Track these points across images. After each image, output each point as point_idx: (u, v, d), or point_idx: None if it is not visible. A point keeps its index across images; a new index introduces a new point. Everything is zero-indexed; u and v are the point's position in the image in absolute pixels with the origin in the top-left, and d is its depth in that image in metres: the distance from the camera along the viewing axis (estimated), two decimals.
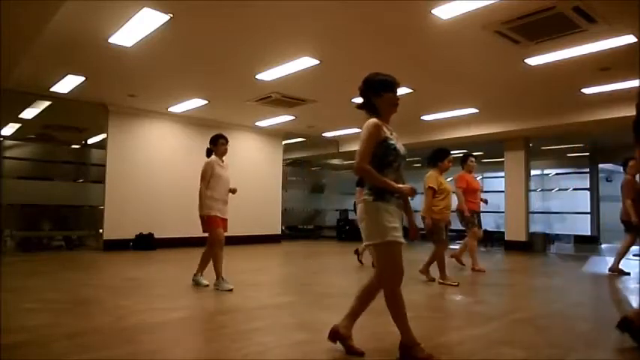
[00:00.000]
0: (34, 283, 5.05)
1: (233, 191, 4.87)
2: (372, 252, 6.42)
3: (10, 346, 2.73)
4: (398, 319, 2.60)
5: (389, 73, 2.72)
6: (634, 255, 6.33)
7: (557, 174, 13.79)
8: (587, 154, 12.33)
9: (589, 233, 12.12)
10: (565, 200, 12.96)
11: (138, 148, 8.94)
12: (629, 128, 3.24)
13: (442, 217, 5.22)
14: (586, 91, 7.01)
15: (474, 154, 6.79)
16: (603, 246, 11.39)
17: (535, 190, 10.49)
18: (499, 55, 5.54)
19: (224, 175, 4.82)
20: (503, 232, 10.48)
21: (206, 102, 8.22)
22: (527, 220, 9.90)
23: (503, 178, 10.50)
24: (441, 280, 5.28)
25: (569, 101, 7.74)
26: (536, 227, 10.76)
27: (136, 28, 4.86)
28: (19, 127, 10.13)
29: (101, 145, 9.15)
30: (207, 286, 4.75)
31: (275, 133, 11.10)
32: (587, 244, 11.63)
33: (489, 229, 11.88)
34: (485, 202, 6.56)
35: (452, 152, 5.48)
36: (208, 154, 4.91)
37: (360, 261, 6.93)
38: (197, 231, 5.10)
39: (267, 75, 6.46)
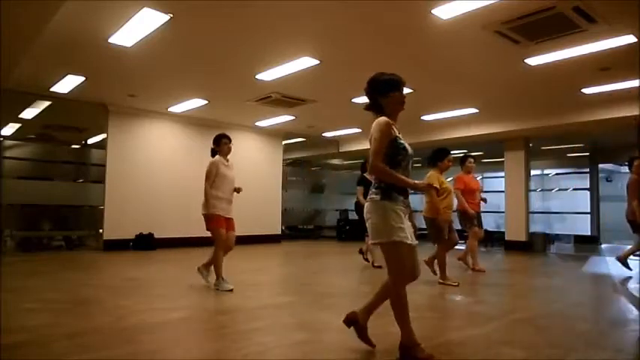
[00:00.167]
0: (34, 283, 5.05)
1: (238, 190, 4.86)
2: (373, 250, 6.53)
3: (10, 346, 2.73)
4: (400, 319, 2.60)
5: (392, 73, 2.72)
6: (634, 255, 6.33)
7: (557, 174, 13.79)
8: (587, 154, 12.33)
9: (589, 233, 12.12)
10: (565, 200, 12.96)
11: (138, 148, 8.94)
12: (629, 128, 3.25)
13: (445, 218, 5.23)
14: (586, 91, 7.01)
15: (474, 154, 6.83)
16: (603, 246, 11.39)
17: (535, 190, 10.49)
18: (499, 55, 5.54)
19: (229, 174, 4.81)
20: (503, 232, 10.48)
21: (206, 102, 8.22)
22: (527, 220, 9.90)
23: (503, 178, 10.50)
24: (441, 280, 5.28)
25: (569, 101, 7.74)
26: (536, 227, 10.76)
27: (136, 28, 4.86)
28: (19, 127, 10.13)
29: (101, 145, 9.15)
30: (231, 290, 4.60)
31: (275, 133, 11.10)
32: (587, 244, 11.63)
33: (489, 229, 11.89)
34: (485, 201, 6.56)
35: (452, 152, 5.48)
36: (213, 154, 4.91)
37: (367, 259, 6.90)
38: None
39: (267, 75, 6.46)
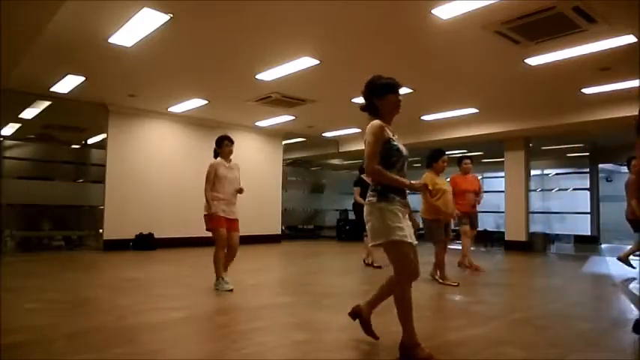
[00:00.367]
0: (34, 283, 5.05)
1: (239, 191, 4.86)
2: (372, 252, 6.53)
3: (10, 346, 2.73)
4: (404, 317, 2.61)
5: (390, 76, 2.77)
6: (634, 255, 6.34)
7: (557, 174, 13.79)
8: (587, 154, 12.33)
9: (589, 233, 12.13)
10: (565, 200, 12.97)
11: (138, 148, 8.94)
12: (629, 128, 3.24)
13: (441, 217, 5.23)
14: (586, 91, 7.01)
15: (474, 154, 6.85)
16: (603, 246, 11.39)
17: (535, 190, 10.50)
18: (499, 55, 5.54)
19: (229, 175, 4.80)
20: (503, 232, 10.48)
21: (206, 102, 8.22)
22: (527, 220, 9.90)
23: (503, 178, 10.50)
24: (440, 280, 5.29)
25: (569, 101, 7.75)
26: (536, 227, 10.77)
27: (136, 28, 4.86)
28: (19, 127, 10.13)
29: (101, 145, 9.15)
30: (231, 290, 4.61)
31: (275, 133, 11.10)
32: (587, 244, 11.63)
33: (489, 229, 11.90)
34: (478, 202, 6.61)
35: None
36: (215, 155, 4.93)
37: (372, 264, 6.76)
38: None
39: (267, 75, 6.46)
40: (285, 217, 11.97)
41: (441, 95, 7.66)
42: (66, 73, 6.59)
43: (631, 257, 6.27)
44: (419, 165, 12.63)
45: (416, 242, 2.65)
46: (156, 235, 8.81)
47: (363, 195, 2.84)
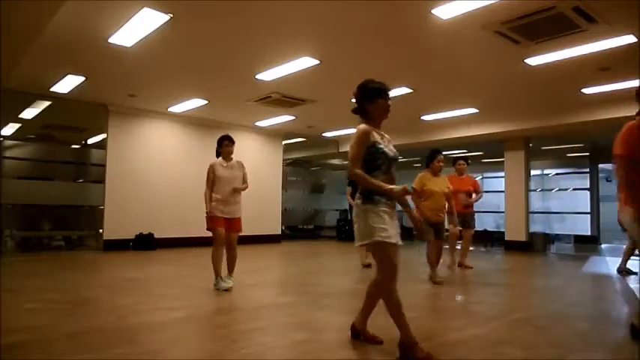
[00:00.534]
0: (34, 283, 5.05)
1: (234, 190, 4.85)
2: (361, 251, 6.56)
3: (10, 346, 2.73)
4: (395, 316, 2.64)
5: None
6: (634, 255, 6.35)
7: (557, 174, 13.80)
8: (587, 154, 12.34)
9: (589, 233, 12.13)
10: (565, 200, 12.97)
11: (138, 148, 8.94)
12: None
13: (427, 218, 5.23)
14: (586, 91, 7.01)
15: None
16: (603, 246, 11.39)
17: (535, 190, 10.50)
18: (499, 55, 5.54)
19: (227, 175, 4.81)
20: (503, 232, 10.48)
21: (206, 102, 8.22)
22: (527, 220, 9.90)
23: (503, 178, 10.50)
24: (432, 279, 5.37)
25: (569, 101, 7.75)
26: (536, 227, 10.77)
27: (136, 28, 4.86)
28: (19, 127, 10.13)
29: (101, 145, 9.15)
30: (228, 290, 4.64)
31: (275, 133, 11.10)
32: (587, 244, 11.63)
33: (489, 229, 11.90)
34: (469, 202, 6.62)
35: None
36: (217, 155, 4.96)
37: (369, 265, 6.83)
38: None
39: (267, 75, 6.46)
40: (285, 217, 11.97)
41: (441, 95, 7.66)
42: (66, 73, 6.59)
43: (631, 259, 6.27)
44: (419, 165, 12.66)
45: (400, 243, 2.69)
46: (156, 235, 8.81)
47: (355, 195, 2.88)
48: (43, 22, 4.57)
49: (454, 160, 6.88)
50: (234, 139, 5.04)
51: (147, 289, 4.90)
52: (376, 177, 2.66)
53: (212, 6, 4.36)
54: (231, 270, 4.88)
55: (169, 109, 8.85)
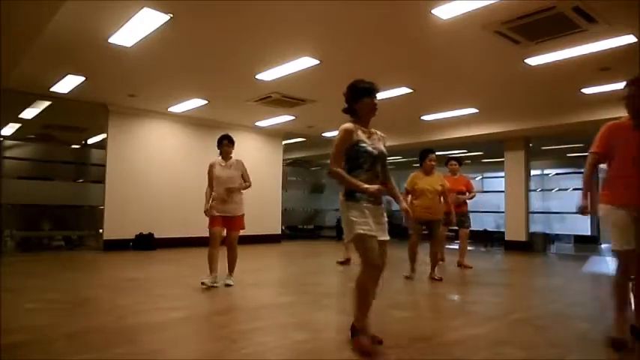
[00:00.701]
0: (34, 283, 5.05)
1: (228, 190, 4.87)
2: (348, 247, 6.68)
3: (10, 346, 2.73)
4: (356, 304, 2.78)
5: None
6: None
7: (557, 174, 13.79)
8: (587, 154, 12.30)
9: (589, 233, 12.12)
10: (565, 200, 12.96)
11: (138, 148, 8.94)
12: None
13: (416, 216, 5.38)
14: (586, 91, 7.01)
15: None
16: (603, 246, 11.39)
17: (535, 190, 10.50)
18: (499, 55, 5.54)
19: (224, 175, 4.86)
20: (503, 232, 10.48)
21: (206, 102, 8.22)
22: (527, 220, 9.90)
23: (503, 178, 10.50)
24: (432, 276, 5.49)
25: (569, 101, 7.74)
26: (536, 227, 10.77)
27: (136, 28, 4.86)
28: (19, 127, 10.13)
29: (101, 145, 9.15)
30: (205, 286, 4.75)
31: (275, 133, 11.10)
32: (587, 244, 11.63)
33: (489, 229, 11.90)
34: (460, 202, 6.67)
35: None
36: (221, 153, 5.05)
37: (344, 262, 6.97)
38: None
39: (267, 75, 6.46)
40: (285, 217, 11.97)
41: (441, 95, 7.65)
42: (66, 73, 6.59)
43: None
44: (418, 165, 12.64)
45: (382, 237, 2.77)
46: (156, 235, 8.81)
47: None
48: (43, 22, 4.57)
49: (447, 161, 7.01)
50: (234, 139, 5.06)
51: (147, 289, 4.90)
52: (359, 175, 2.75)
53: (212, 6, 4.36)
54: (231, 269, 4.91)
55: (169, 109, 8.85)
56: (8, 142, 9.22)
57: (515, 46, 5.15)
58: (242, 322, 3.54)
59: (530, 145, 10.13)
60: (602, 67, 5.82)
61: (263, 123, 10.09)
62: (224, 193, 4.81)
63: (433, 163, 5.52)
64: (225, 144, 4.94)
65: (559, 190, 13.28)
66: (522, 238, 9.86)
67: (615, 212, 2.96)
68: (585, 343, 3.08)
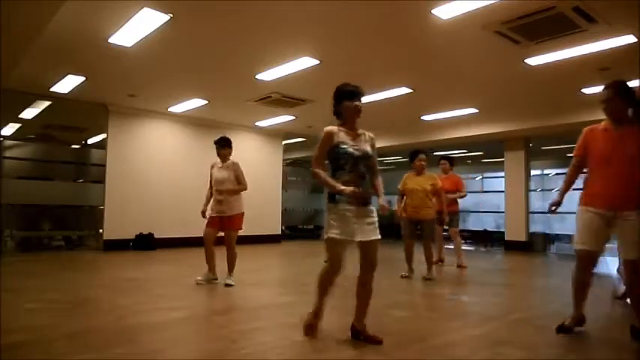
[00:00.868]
0: (34, 283, 5.05)
1: (219, 192, 4.98)
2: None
3: (10, 346, 2.73)
4: (316, 296, 3.01)
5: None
6: None
7: (557, 174, 13.78)
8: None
9: None
10: (565, 200, 12.94)
11: (138, 148, 8.93)
12: None
13: (407, 215, 5.56)
14: (586, 91, 7.01)
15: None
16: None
17: (535, 190, 10.50)
18: (499, 55, 5.54)
19: (218, 177, 5.00)
20: (503, 232, 10.48)
21: (206, 102, 8.22)
22: (527, 220, 9.90)
23: (503, 178, 10.50)
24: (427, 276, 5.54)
25: (569, 101, 7.74)
26: (536, 227, 10.76)
27: (136, 28, 4.86)
28: (19, 127, 10.13)
29: (101, 145, 9.15)
30: (198, 283, 4.92)
31: (275, 133, 11.10)
32: None
33: (489, 229, 11.90)
34: (448, 201, 6.66)
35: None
36: None
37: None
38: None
39: (267, 75, 6.45)
40: (285, 217, 11.97)
41: (441, 95, 7.65)
42: (66, 73, 6.59)
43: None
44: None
45: (371, 238, 2.86)
46: (156, 235, 8.81)
47: None
48: (43, 22, 4.57)
49: (438, 160, 7.13)
50: (234, 140, 5.15)
51: (147, 289, 4.90)
52: (341, 176, 2.84)
53: (212, 6, 4.36)
54: (229, 269, 4.96)
55: (169, 109, 8.85)
56: (8, 142, 9.23)
57: (515, 46, 5.15)
58: (242, 322, 3.54)
59: (530, 145, 10.13)
60: (602, 67, 5.82)
61: (263, 123, 10.09)
62: (217, 193, 4.95)
63: (423, 163, 5.64)
64: (217, 147, 5.08)
65: (559, 190, 13.27)
66: (522, 238, 9.86)
67: (587, 213, 3.08)
68: (585, 343, 3.08)
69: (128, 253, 8.15)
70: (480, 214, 13.11)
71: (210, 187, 5.07)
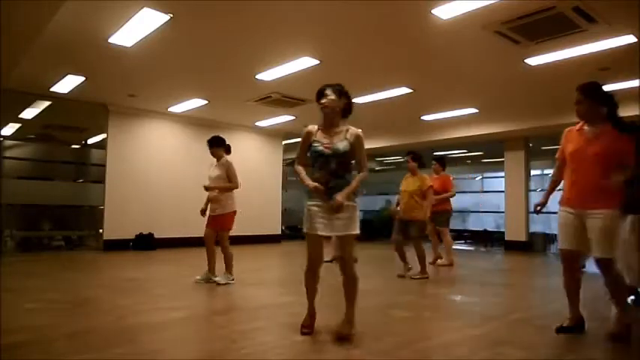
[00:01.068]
0: (34, 283, 5.05)
1: (206, 189, 5.10)
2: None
3: (10, 346, 2.73)
4: (306, 296, 3.15)
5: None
6: None
7: None
8: None
9: None
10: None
11: (138, 148, 8.94)
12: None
13: (399, 216, 5.76)
14: None
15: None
16: None
17: (535, 190, 10.49)
18: (499, 55, 5.54)
19: (211, 175, 5.10)
20: (503, 232, 10.48)
21: (206, 102, 8.22)
22: (527, 220, 9.90)
23: (503, 178, 10.49)
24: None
25: (569, 101, 7.67)
26: (536, 227, 10.76)
27: (136, 28, 4.86)
28: (19, 127, 10.11)
29: (101, 145, 9.14)
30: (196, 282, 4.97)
31: (275, 133, 11.10)
32: None
33: (489, 229, 11.89)
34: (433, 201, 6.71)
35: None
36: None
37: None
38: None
39: (267, 75, 6.46)
40: (285, 217, 11.97)
41: (441, 95, 7.65)
42: (66, 73, 6.59)
43: None
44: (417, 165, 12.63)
45: (338, 233, 2.97)
46: (156, 235, 8.81)
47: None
48: (43, 22, 4.57)
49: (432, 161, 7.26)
50: (222, 139, 5.20)
51: (147, 289, 4.90)
52: (313, 173, 3.03)
53: (212, 6, 4.36)
54: (226, 268, 5.02)
55: (169, 109, 8.85)
56: (8, 142, 9.22)
57: (515, 46, 5.15)
58: (242, 322, 3.54)
59: (530, 145, 10.13)
60: (602, 67, 5.83)
61: (263, 123, 10.09)
62: (211, 192, 5.02)
63: (410, 163, 5.83)
64: (209, 147, 5.15)
65: (559, 190, 13.26)
66: (522, 238, 9.86)
67: (563, 213, 3.19)
68: (585, 343, 3.08)
69: (128, 253, 8.15)
70: (480, 214, 13.10)
71: None
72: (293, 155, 14.45)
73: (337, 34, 5.04)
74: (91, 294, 4.53)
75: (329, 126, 3.06)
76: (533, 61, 5.63)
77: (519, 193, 9.94)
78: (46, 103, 8.35)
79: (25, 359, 2.58)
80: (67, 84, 7.06)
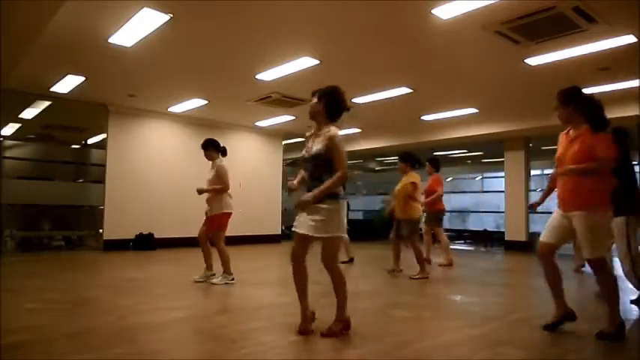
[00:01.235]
0: (34, 283, 5.05)
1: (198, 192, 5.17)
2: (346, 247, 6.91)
3: (10, 346, 2.73)
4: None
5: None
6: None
7: None
8: None
9: None
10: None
11: (138, 148, 8.94)
12: (628, 129, 3.36)
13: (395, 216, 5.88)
14: (586, 91, 6.96)
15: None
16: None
17: (535, 190, 10.50)
18: (499, 55, 5.54)
19: (208, 177, 5.16)
20: (503, 232, 10.48)
21: (206, 102, 8.22)
22: (527, 220, 9.91)
23: (503, 178, 10.50)
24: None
25: None
26: (536, 227, 10.75)
27: (136, 28, 4.86)
28: (19, 127, 10.12)
29: (101, 145, 9.15)
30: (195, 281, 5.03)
31: (275, 133, 11.10)
32: None
33: (489, 229, 11.90)
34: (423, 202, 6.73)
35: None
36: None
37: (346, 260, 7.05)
38: (196, 231, 5.16)
39: (267, 75, 6.46)
40: (285, 217, 11.97)
41: (441, 95, 7.66)
42: (66, 73, 6.59)
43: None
44: (417, 166, 12.65)
45: (312, 233, 3.13)
46: (156, 235, 8.81)
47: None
48: (43, 22, 4.57)
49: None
50: (215, 141, 5.24)
51: (147, 289, 4.90)
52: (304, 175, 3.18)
53: (212, 6, 4.36)
54: (223, 268, 5.02)
55: (169, 109, 8.85)
56: (8, 142, 9.22)
57: (515, 46, 5.15)
58: (242, 322, 3.54)
59: (530, 145, 10.13)
60: (601, 67, 5.83)
61: (263, 123, 10.09)
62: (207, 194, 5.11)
63: (399, 164, 5.96)
64: (203, 150, 5.21)
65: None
66: (522, 238, 9.86)
67: (555, 213, 3.29)
68: (585, 343, 3.08)
69: (128, 253, 8.15)
70: (480, 214, 13.11)
71: None
72: (293, 155, 14.45)
73: (337, 34, 5.05)
74: (91, 294, 4.53)
75: (317, 130, 3.16)
76: (533, 61, 5.63)
77: (519, 193, 9.94)
78: (46, 103, 8.35)
79: (25, 359, 2.58)
80: (67, 84, 7.06)
